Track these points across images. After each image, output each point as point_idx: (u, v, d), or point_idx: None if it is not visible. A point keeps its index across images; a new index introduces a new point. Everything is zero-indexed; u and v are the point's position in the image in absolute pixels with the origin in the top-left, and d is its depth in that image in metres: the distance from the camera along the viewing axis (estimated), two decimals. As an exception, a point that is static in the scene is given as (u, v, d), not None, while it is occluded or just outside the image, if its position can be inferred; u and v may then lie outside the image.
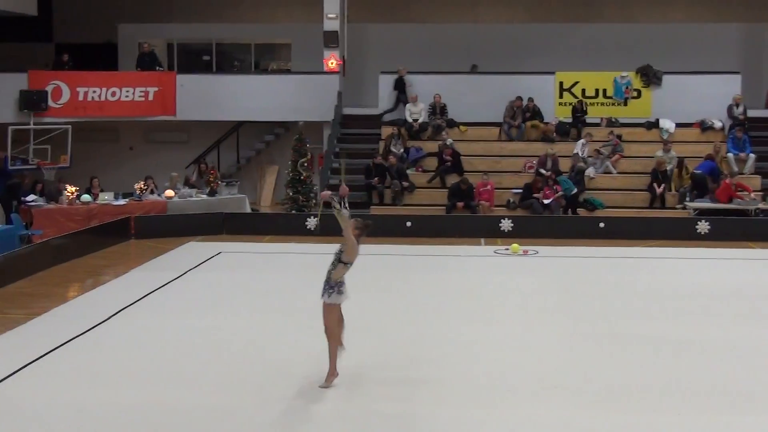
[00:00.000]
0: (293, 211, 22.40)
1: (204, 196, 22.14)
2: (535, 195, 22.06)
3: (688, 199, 22.14)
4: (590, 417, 8.29)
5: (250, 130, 27.52)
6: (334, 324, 9.19)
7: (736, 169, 23.05)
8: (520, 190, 22.51)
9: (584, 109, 25.29)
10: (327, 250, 17.81)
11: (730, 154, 23.55)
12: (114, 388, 9.13)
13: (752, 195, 21.90)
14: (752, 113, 25.29)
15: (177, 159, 26.15)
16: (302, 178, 22.77)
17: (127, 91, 25.25)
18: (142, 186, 21.50)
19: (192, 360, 10.13)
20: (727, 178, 22.16)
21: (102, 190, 21.19)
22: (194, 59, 30.05)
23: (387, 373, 9.65)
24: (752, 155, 23.56)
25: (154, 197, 21.57)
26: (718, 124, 24.79)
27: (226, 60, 30.51)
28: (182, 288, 14.49)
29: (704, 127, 24.93)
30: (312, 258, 17.45)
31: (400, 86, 25.73)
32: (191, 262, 16.62)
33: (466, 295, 13.89)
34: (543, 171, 22.94)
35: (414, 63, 26.73)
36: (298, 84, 26.18)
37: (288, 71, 29.03)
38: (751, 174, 23.29)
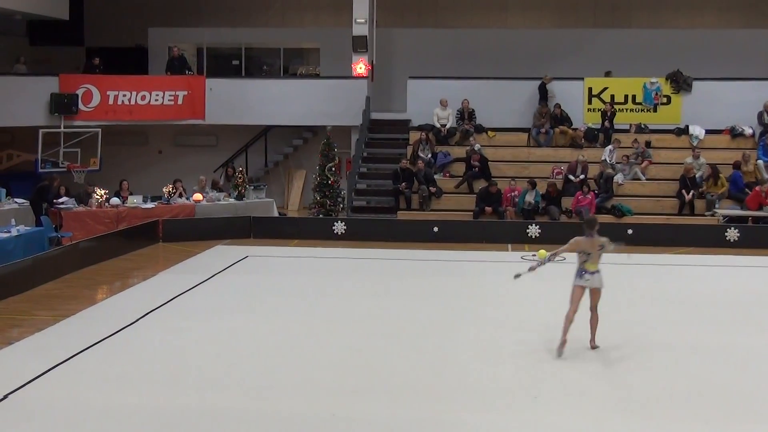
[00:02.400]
0: (321, 216, 22.45)
1: (232, 200, 22.21)
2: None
3: (717, 205, 22.00)
4: (616, 424, 8.25)
5: (279, 135, 27.60)
6: (572, 300, 10.66)
7: (766, 176, 22.85)
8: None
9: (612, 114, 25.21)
10: (353, 255, 18.15)
11: (761, 161, 23.36)
12: (140, 390, 9.17)
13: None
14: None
15: (205, 163, 26.27)
16: (330, 182, 22.85)
17: (157, 95, 25.41)
18: (171, 189, 21.60)
19: (219, 363, 10.16)
20: (756, 186, 22.03)
21: (131, 194, 21.31)
22: (223, 63, 30.16)
23: (414, 377, 9.63)
24: (783, 162, 23.39)
25: (183, 201, 21.67)
26: (748, 131, 24.61)
27: (255, 64, 30.61)
28: (209, 291, 14.54)
29: (734, 133, 24.76)
30: (338, 262, 17.62)
31: (542, 93, 25.68)
32: (219, 265, 16.69)
33: (493, 300, 13.89)
34: (572, 177, 22.88)
35: (442, 68, 26.80)
36: (326, 88, 26.24)
37: (317, 76, 29.07)
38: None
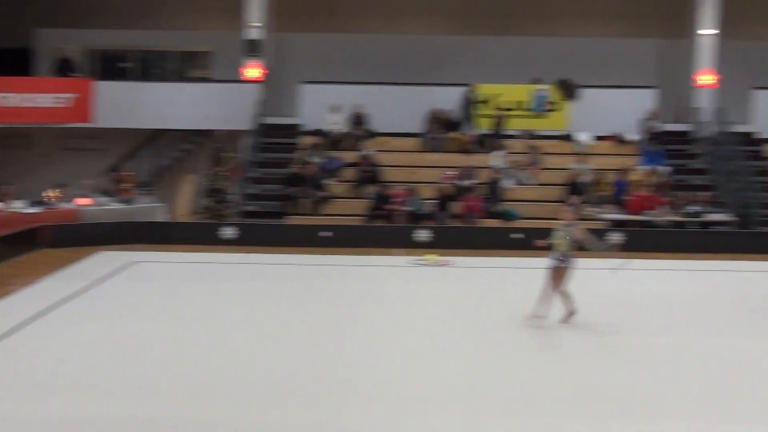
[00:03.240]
0: (210, 221, 22.25)
1: (120, 205, 21.84)
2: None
3: (600, 210, 22.49)
4: (498, 425, 8.34)
5: (169, 139, 27.16)
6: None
7: (649, 181, 23.46)
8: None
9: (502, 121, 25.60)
10: (242, 260, 18.03)
11: (644, 167, 23.99)
12: (24, 399, 8.92)
13: (664, 207, 22.34)
14: (666, 127, 25.85)
15: (93, 167, 25.72)
16: (220, 187, 22.66)
17: (43, 98, 24.76)
18: (53, 194, 21.07)
19: (104, 370, 9.97)
20: (639, 190, 22.61)
21: (15, 199, 20.76)
22: (113, 66, 29.61)
23: (302, 383, 9.59)
24: (665, 168, 24.03)
25: (67, 205, 21.20)
26: (632, 138, 25.26)
27: (146, 67, 30.13)
28: (94, 298, 14.25)
29: (619, 140, 25.38)
30: (228, 268, 17.48)
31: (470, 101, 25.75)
32: (104, 271, 16.39)
33: (382, 304, 13.90)
34: (462, 182, 23.14)
35: (334, 73, 26.84)
36: (218, 92, 26.00)
37: (208, 79, 28.81)
38: (664, 186, 23.73)
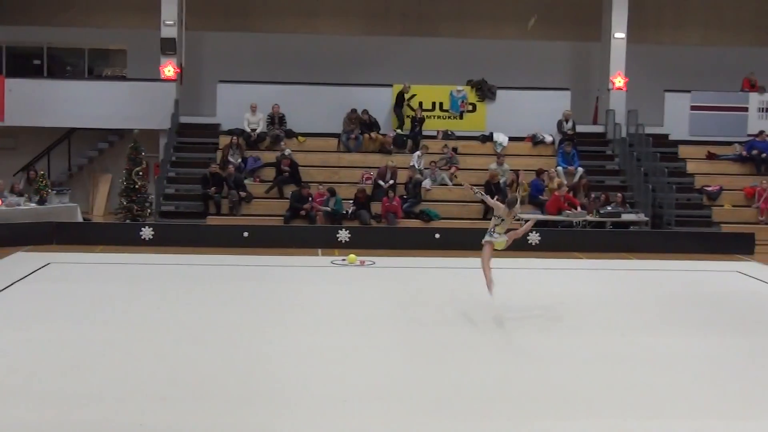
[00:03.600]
0: (127, 221, 21.91)
1: (33, 205, 21.34)
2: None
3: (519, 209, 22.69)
4: (422, 425, 8.34)
5: (83, 138, 26.82)
6: (484, 253, 13.22)
7: (565, 182, 23.81)
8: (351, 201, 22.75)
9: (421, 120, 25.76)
10: (161, 261, 17.74)
11: (560, 168, 24.36)
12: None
13: (579, 208, 22.71)
14: (580, 128, 26.31)
15: (4, 166, 25.18)
16: (137, 187, 22.33)
17: (-50, 95, 24.17)
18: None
19: (16, 373, 9.71)
20: (556, 191, 22.94)
21: None
22: (24, 63, 28.99)
23: (222, 385, 9.46)
24: (580, 169, 24.44)
25: (-23, 206, 20.68)
26: (548, 139, 25.66)
27: (58, 65, 29.55)
28: (8, 300, 13.88)
29: (535, 141, 25.75)
30: (146, 269, 17.15)
31: (400, 101, 25.71)
32: (18, 273, 15.93)
33: (303, 305, 13.73)
34: (382, 182, 23.19)
35: (252, 72, 26.73)
36: (133, 91, 25.70)
37: (123, 78, 28.38)
38: (580, 187, 24.11)
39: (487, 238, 13.27)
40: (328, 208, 22.24)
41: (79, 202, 23.52)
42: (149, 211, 22.56)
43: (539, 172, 23.81)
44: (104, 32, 29.03)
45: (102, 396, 8.98)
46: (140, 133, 23.38)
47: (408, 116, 25.86)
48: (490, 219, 13.64)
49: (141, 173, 22.41)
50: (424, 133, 25.66)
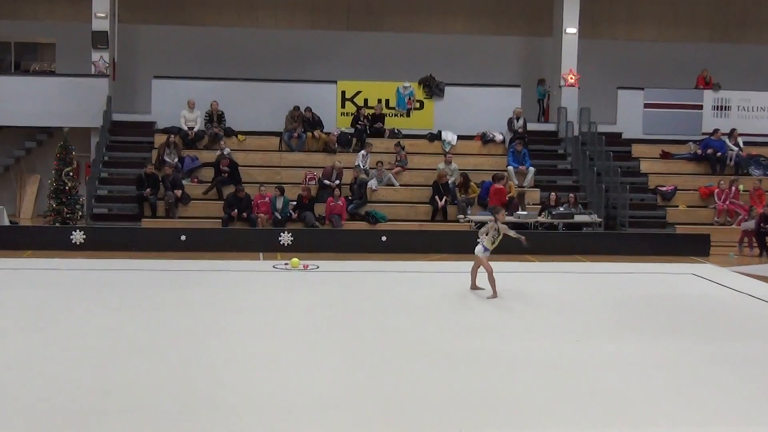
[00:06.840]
0: (57, 224, 20.95)
1: (-46, 208, 20.30)
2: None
3: (469, 211, 22.03)
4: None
5: (9, 136, 25.86)
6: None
7: (516, 182, 23.20)
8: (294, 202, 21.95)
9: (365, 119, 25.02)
10: (93, 266, 16.82)
11: (511, 167, 23.70)
12: None
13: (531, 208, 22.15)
14: (531, 126, 25.75)
15: None
16: (67, 188, 21.45)
17: None
18: None
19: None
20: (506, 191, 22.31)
21: None
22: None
23: (162, 394, 8.77)
24: (531, 168, 23.82)
25: None
26: (498, 137, 24.99)
27: (-17, 59, 28.46)
28: None
29: (485, 139, 25.07)
30: (77, 274, 16.41)
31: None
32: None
33: (244, 312, 13.13)
34: (328, 182, 22.42)
35: (189, 68, 26.13)
36: (62, 87, 24.73)
37: (52, 73, 27.42)
38: (531, 187, 23.55)
39: (485, 253, 14.47)
40: (273, 210, 21.37)
41: (6, 205, 22.76)
42: (80, 213, 21.75)
43: (495, 178, 22.85)
44: (32, 25, 28.04)
45: (27, 411, 8.25)
46: (70, 132, 22.51)
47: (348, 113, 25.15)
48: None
49: (71, 174, 21.68)
50: (369, 131, 24.85)
